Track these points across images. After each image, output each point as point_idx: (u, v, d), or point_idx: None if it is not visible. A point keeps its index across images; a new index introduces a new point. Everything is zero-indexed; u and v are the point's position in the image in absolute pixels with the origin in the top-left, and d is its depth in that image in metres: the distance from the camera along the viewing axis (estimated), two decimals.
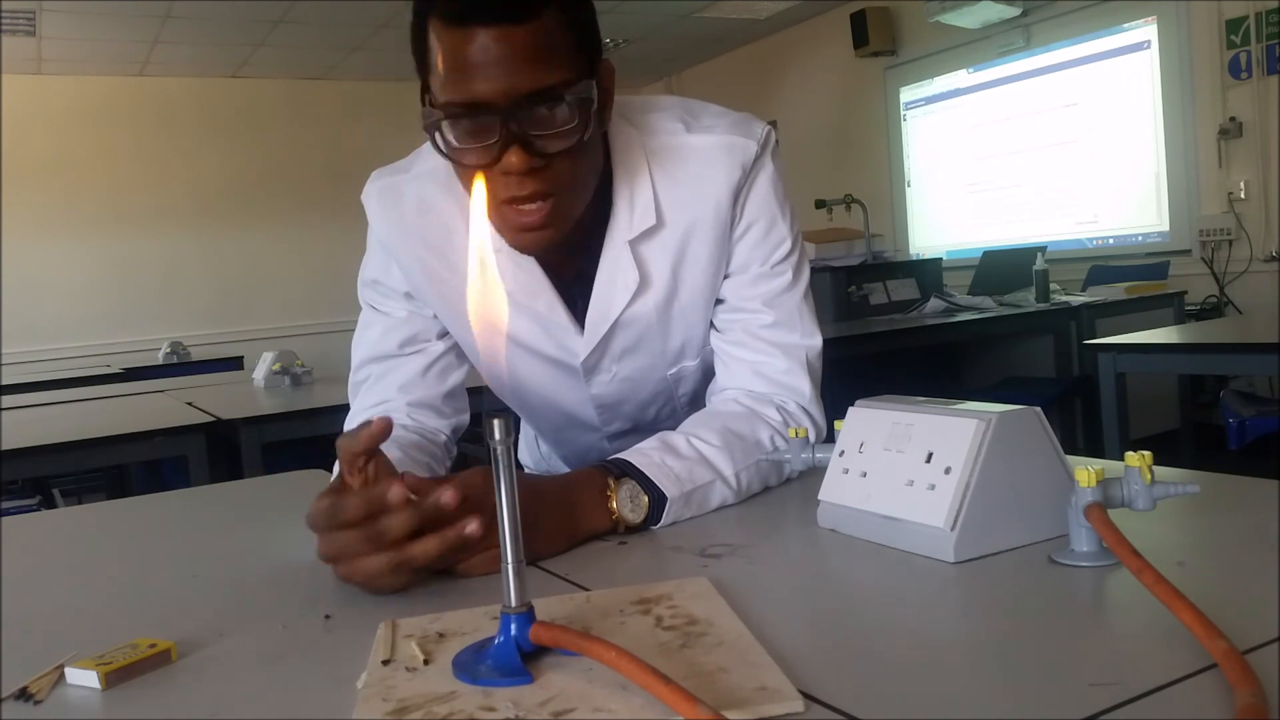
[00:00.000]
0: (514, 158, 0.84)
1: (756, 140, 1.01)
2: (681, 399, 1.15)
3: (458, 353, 1.12)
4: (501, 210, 0.89)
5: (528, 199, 0.88)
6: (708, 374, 1.13)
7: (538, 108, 0.84)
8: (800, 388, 1.05)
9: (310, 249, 7.27)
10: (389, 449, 0.95)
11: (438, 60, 0.84)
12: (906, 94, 6.47)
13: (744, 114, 1.04)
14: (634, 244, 1.00)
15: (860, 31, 6.37)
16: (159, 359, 5.30)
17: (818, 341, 1.08)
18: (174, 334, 6.11)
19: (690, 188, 1.00)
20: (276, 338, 6.51)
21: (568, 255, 1.02)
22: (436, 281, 1.05)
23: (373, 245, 1.10)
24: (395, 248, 1.06)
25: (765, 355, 1.05)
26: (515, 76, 0.83)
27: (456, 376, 1.12)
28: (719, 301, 1.07)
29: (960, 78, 6.11)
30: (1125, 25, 5.18)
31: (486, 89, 0.82)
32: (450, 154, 0.87)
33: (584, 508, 0.83)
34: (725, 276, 1.05)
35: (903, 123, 6.53)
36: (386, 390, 1.09)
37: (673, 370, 1.11)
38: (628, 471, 0.87)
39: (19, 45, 5.91)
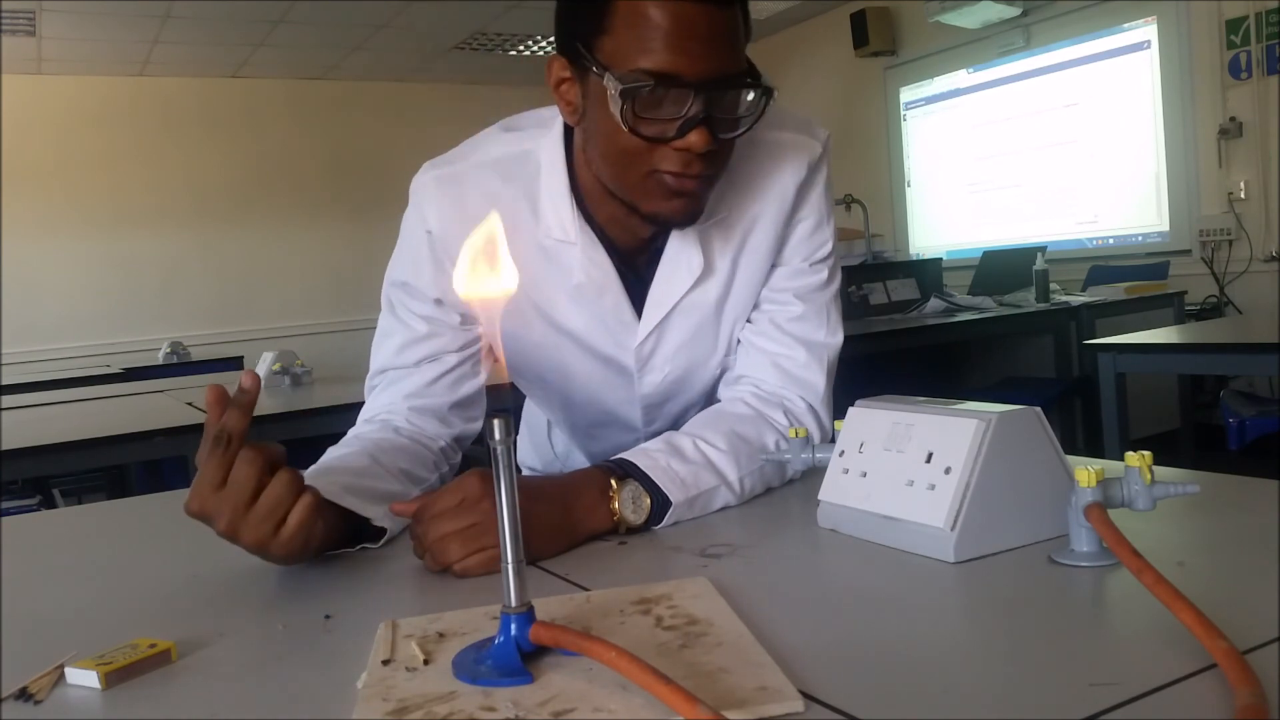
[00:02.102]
0: (697, 137, 0.84)
1: (820, 141, 1.04)
2: (716, 384, 1.15)
3: (474, 363, 1.09)
4: (655, 179, 0.89)
5: (691, 179, 0.89)
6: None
7: (730, 91, 0.86)
8: (815, 383, 1.06)
9: (310, 249, 7.27)
10: (358, 459, 0.93)
11: (634, 26, 0.83)
12: (906, 94, 6.47)
13: (807, 116, 1.07)
14: (701, 232, 1.01)
15: (860, 31, 6.37)
16: (159, 359, 5.29)
17: (839, 341, 1.09)
18: (174, 334, 6.11)
19: (759, 181, 1.02)
20: (276, 338, 6.51)
21: (641, 246, 1.02)
22: None
23: (410, 241, 1.04)
24: (452, 238, 0.99)
25: (787, 348, 1.06)
26: (719, 57, 0.84)
27: (470, 386, 1.08)
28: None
29: (960, 78, 6.11)
30: (1125, 25, 5.18)
31: (689, 64, 0.83)
32: (630, 123, 0.85)
33: (584, 508, 0.83)
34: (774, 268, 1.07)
35: (903, 123, 6.53)
36: (391, 398, 1.07)
37: (721, 361, 1.11)
38: (630, 473, 0.87)
39: (19, 45, 5.91)
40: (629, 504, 0.84)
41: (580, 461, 1.28)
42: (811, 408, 1.05)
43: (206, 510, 0.73)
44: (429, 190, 1.02)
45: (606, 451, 1.21)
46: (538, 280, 1.02)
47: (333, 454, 0.97)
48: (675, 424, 1.14)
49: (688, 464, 0.90)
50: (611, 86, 0.84)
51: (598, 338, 1.06)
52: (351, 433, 1.06)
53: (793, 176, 1.02)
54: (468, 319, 1.05)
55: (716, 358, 1.10)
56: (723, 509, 0.92)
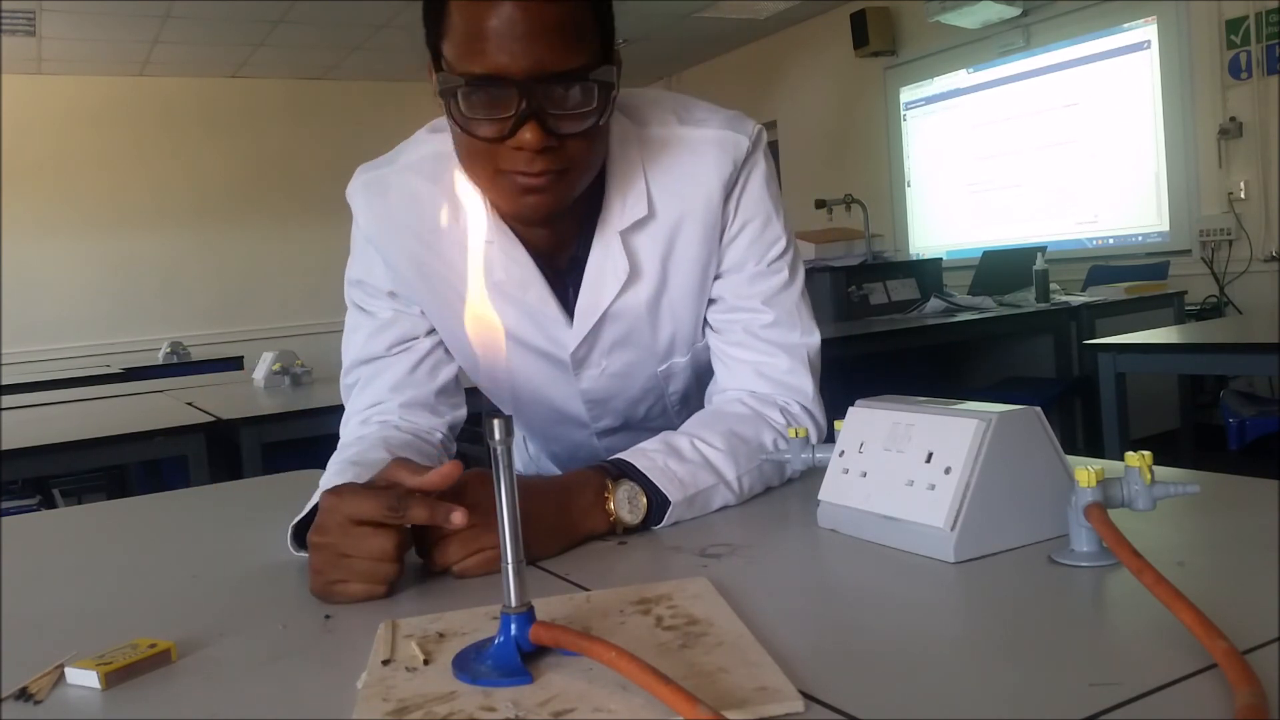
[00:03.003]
0: (529, 134, 0.84)
1: (749, 136, 1.01)
2: (672, 397, 1.14)
3: (445, 349, 1.11)
4: (504, 178, 0.89)
5: (536, 176, 0.88)
6: (699, 372, 1.12)
7: (559, 87, 0.84)
8: (803, 387, 1.05)
9: (310, 249, 7.27)
10: (375, 451, 0.96)
11: (461, 28, 0.84)
12: (906, 94, 6.47)
13: (736, 111, 1.04)
14: (625, 234, 1.00)
15: (860, 31, 6.37)
16: (159, 359, 5.30)
17: (817, 339, 1.08)
18: (174, 334, 6.12)
19: (682, 180, 1.00)
20: (276, 338, 6.51)
21: (559, 246, 1.01)
22: (424, 274, 1.05)
23: (358, 243, 1.09)
24: (382, 242, 1.05)
25: (767, 355, 1.05)
26: (541, 53, 0.82)
27: (447, 372, 1.11)
28: (714, 302, 1.06)
29: (960, 78, 6.11)
30: (1125, 25, 5.18)
31: (511, 62, 0.82)
32: (463, 124, 0.87)
33: (581, 509, 0.83)
34: (718, 276, 1.05)
35: (903, 123, 6.53)
36: (378, 392, 1.08)
37: (663, 367, 1.10)
38: (627, 473, 0.86)
39: (19, 45, 5.91)
40: (625, 504, 0.84)
41: (548, 463, 1.29)
42: (806, 409, 1.05)
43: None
44: (357, 196, 1.06)
45: (566, 450, 1.21)
46: (466, 278, 1.03)
47: (349, 451, 0.98)
48: (625, 421, 1.14)
49: (685, 463, 0.89)
50: (442, 89, 0.85)
51: (529, 333, 1.05)
52: (350, 436, 1.06)
53: (717, 173, 0.99)
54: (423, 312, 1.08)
55: (655, 357, 1.09)
56: (722, 509, 0.92)
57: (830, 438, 0.88)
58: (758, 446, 0.96)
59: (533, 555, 0.78)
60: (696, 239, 1.02)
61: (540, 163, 0.86)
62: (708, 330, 1.08)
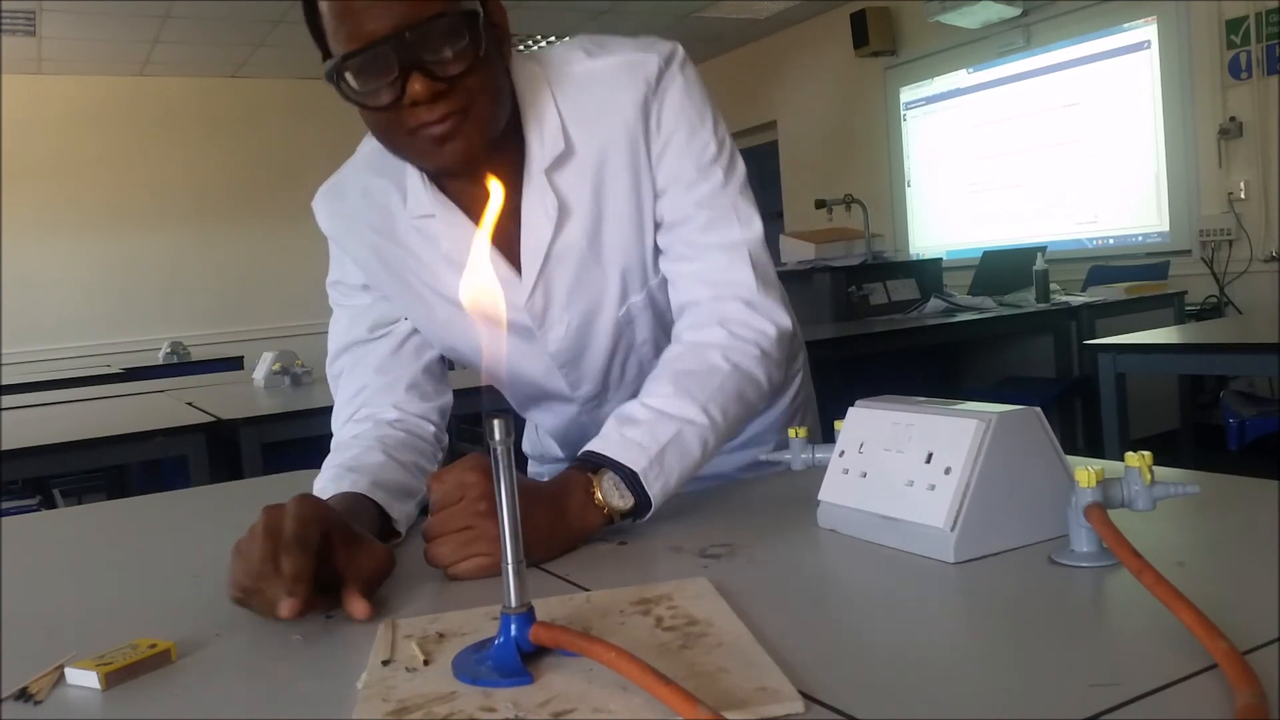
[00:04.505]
0: (417, 85, 0.86)
1: (658, 54, 1.00)
2: (643, 349, 1.12)
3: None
4: (416, 138, 0.91)
5: (440, 122, 0.89)
6: (663, 319, 1.10)
7: (428, 33, 0.87)
8: (742, 280, 1.02)
9: (311, 249, 7.18)
10: (372, 454, 0.97)
11: (329, 15, 0.88)
12: (906, 94, 6.47)
13: (650, 37, 1.04)
14: (550, 174, 1.00)
15: (860, 31, 6.37)
16: (159, 359, 5.30)
17: (757, 231, 1.05)
18: (174, 334, 6.11)
19: (596, 111, 1.00)
20: (276, 338, 6.50)
21: (503, 211, 1.02)
22: (387, 264, 1.07)
23: (331, 249, 1.13)
24: (345, 241, 1.09)
25: (705, 260, 1.03)
26: (400, 8, 0.85)
27: (430, 355, 1.13)
28: (659, 227, 1.05)
29: (960, 78, 6.11)
30: (1125, 25, 5.19)
31: (376, 27, 0.85)
32: (358, 100, 0.90)
33: (575, 510, 0.83)
34: (657, 197, 1.04)
35: (903, 123, 6.53)
36: (363, 375, 1.10)
37: (622, 310, 1.08)
38: (600, 462, 0.86)
39: (19, 45, 5.91)
40: (613, 493, 0.84)
41: (550, 443, 1.29)
42: (748, 303, 1.01)
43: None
44: (319, 206, 1.11)
45: (560, 428, 1.21)
46: (422, 260, 1.05)
47: (345, 454, 0.99)
48: (604, 383, 1.13)
49: (639, 425, 0.89)
50: (328, 75, 0.90)
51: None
52: (345, 434, 1.06)
53: (629, 97, 0.99)
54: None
55: (611, 299, 1.06)
56: (710, 449, 0.91)
57: (830, 438, 0.88)
58: (708, 370, 0.95)
59: (537, 560, 0.79)
60: (624, 166, 1.01)
61: (439, 109, 0.88)
62: (660, 259, 1.06)
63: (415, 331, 1.12)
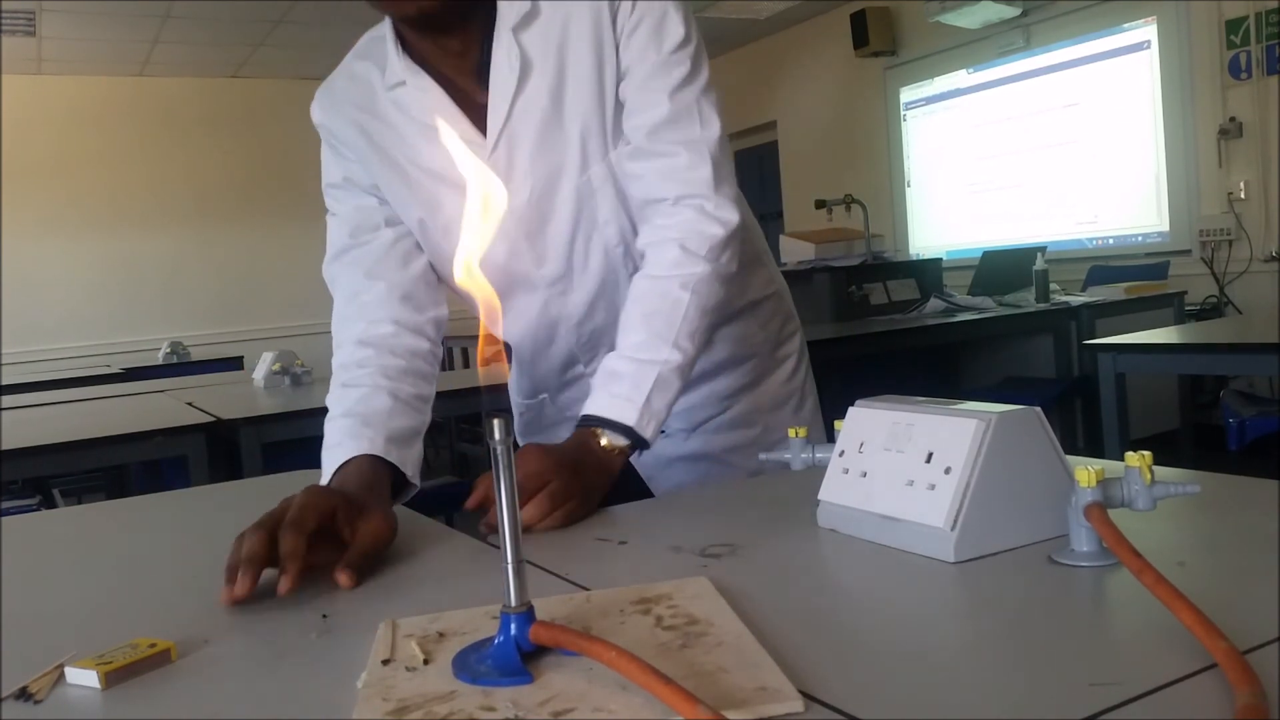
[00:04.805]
0: None
1: None
2: (606, 229, 1.12)
3: (413, 238, 1.16)
4: None
5: None
6: (625, 204, 1.12)
7: None
8: (701, 178, 1.06)
9: (310, 249, 7.20)
10: (377, 398, 1.04)
11: None
12: (906, 94, 6.47)
13: None
14: (516, 32, 1.04)
15: (860, 31, 6.37)
16: (159, 359, 5.30)
17: (716, 132, 1.08)
18: (174, 334, 6.12)
19: None
20: (276, 338, 6.50)
21: (474, 77, 1.07)
22: (373, 140, 1.11)
23: (323, 150, 1.17)
24: (334, 127, 1.14)
25: (668, 153, 1.06)
26: None
27: (420, 262, 1.15)
28: (622, 108, 1.08)
29: (960, 78, 6.11)
30: (1125, 25, 5.19)
31: None
32: None
33: (595, 460, 0.95)
34: (622, 76, 1.07)
35: (903, 123, 6.53)
36: (354, 280, 1.13)
37: (583, 178, 1.09)
38: (598, 423, 0.98)
39: (19, 45, 5.91)
40: (618, 439, 0.96)
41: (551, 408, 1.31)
42: (701, 209, 1.06)
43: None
44: (314, 106, 1.16)
45: (528, 329, 1.20)
46: (400, 132, 1.10)
47: (351, 396, 1.04)
48: (569, 262, 1.13)
49: (623, 379, 0.99)
50: None
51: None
52: (349, 357, 1.09)
53: None
54: (380, 199, 1.15)
55: (572, 163, 1.09)
56: (689, 376, 1.02)
57: (830, 438, 0.88)
58: (672, 305, 1.02)
59: (584, 515, 0.91)
60: (588, 31, 1.05)
61: None
62: (624, 150, 1.09)
63: (400, 239, 1.15)
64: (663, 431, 1.10)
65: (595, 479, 0.94)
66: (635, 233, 1.12)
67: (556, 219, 1.12)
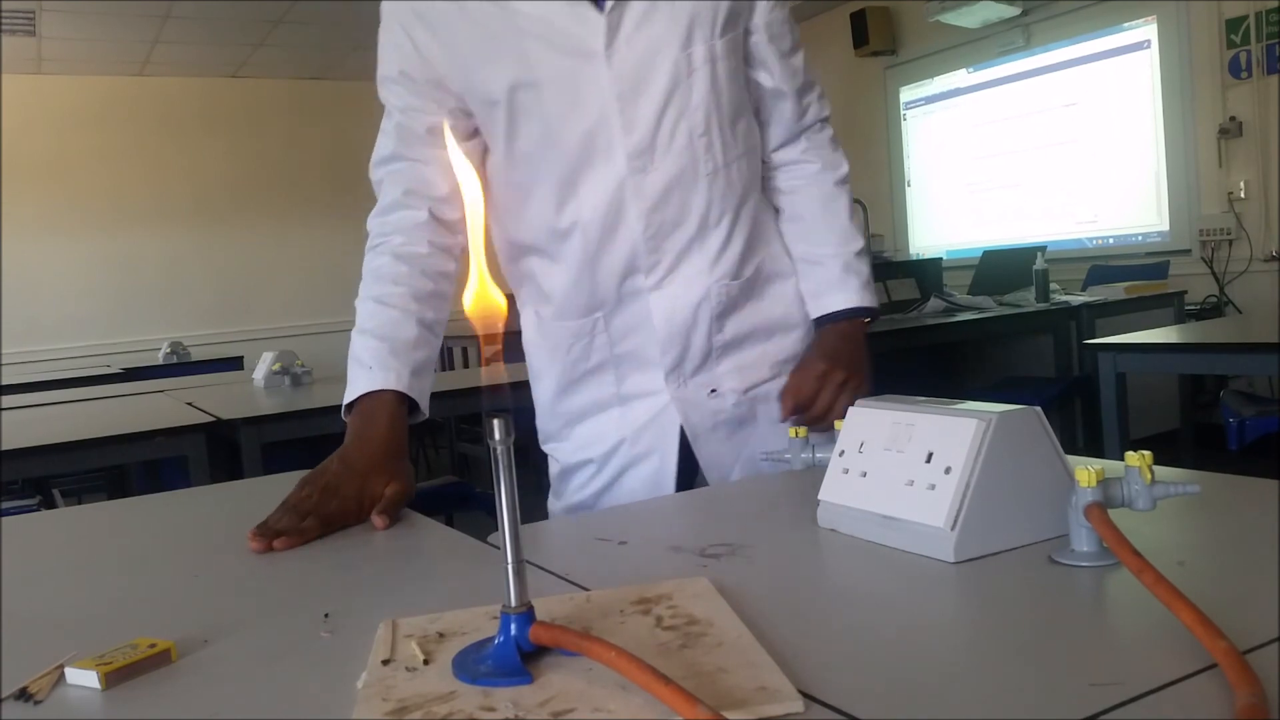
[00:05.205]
0: None
1: None
2: (695, 114, 1.15)
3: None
4: None
5: None
6: (719, 101, 1.17)
7: None
8: (817, 85, 1.33)
9: (310, 249, 7.27)
10: (406, 327, 1.13)
11: None
12: (906, 94, 6.47)
13: None
14: None
15: (860, 31, 6.37)
16: (159, 359, 5.29)
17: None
18: (174, 334, 6.11)
19: None
20: (276, 338, 6.51)
21: None
22: (441, 16, 1.13)
23: (381, 41, 1.18)
24: (397, 8, 1.16)
25: (809, 80, 1.30)
26: None
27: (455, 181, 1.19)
28: (748, 31, 1.21)
29: (960, 77, 6.11)
30: (1125, 25, 5.19)
31: None
32: None
33: (854, 344, 1.23)
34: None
35: (903, 122, 6.53)
36: (396, 192, 1.19)
37: (685, 53, 1.13)
38: (839, 316, 1.25)
39: (19, 45, 5.91)
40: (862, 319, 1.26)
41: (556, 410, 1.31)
42: (835, 140, 1.33)
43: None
44: None
45: (600, 204, 1.18)
46: None
47: (382, 317, 1.13)
48: (654, 136, 1.14)
49: (851, 273, 1.27)
50: None
51: (559, 24, 1.10)
52: (385, 264, 1.16)
53: None
54: (436, 100, 1.17)
55: (676, 36, 1.12)
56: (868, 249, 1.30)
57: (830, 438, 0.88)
58: (841, 200, 1.30)
59: (864, 392, 1.13)
60: None
61: None
62: (758, 67, 1.24)
63: (439, 155, 1.18)
64: (714, 390, 1.22)
65: (862, 357, 1.23)
66: (721, 128, 1.18)
67: (652, 88, 1.13)
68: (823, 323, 1.26)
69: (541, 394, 1.32)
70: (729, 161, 1.19)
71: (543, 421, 1.34)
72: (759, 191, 1.27)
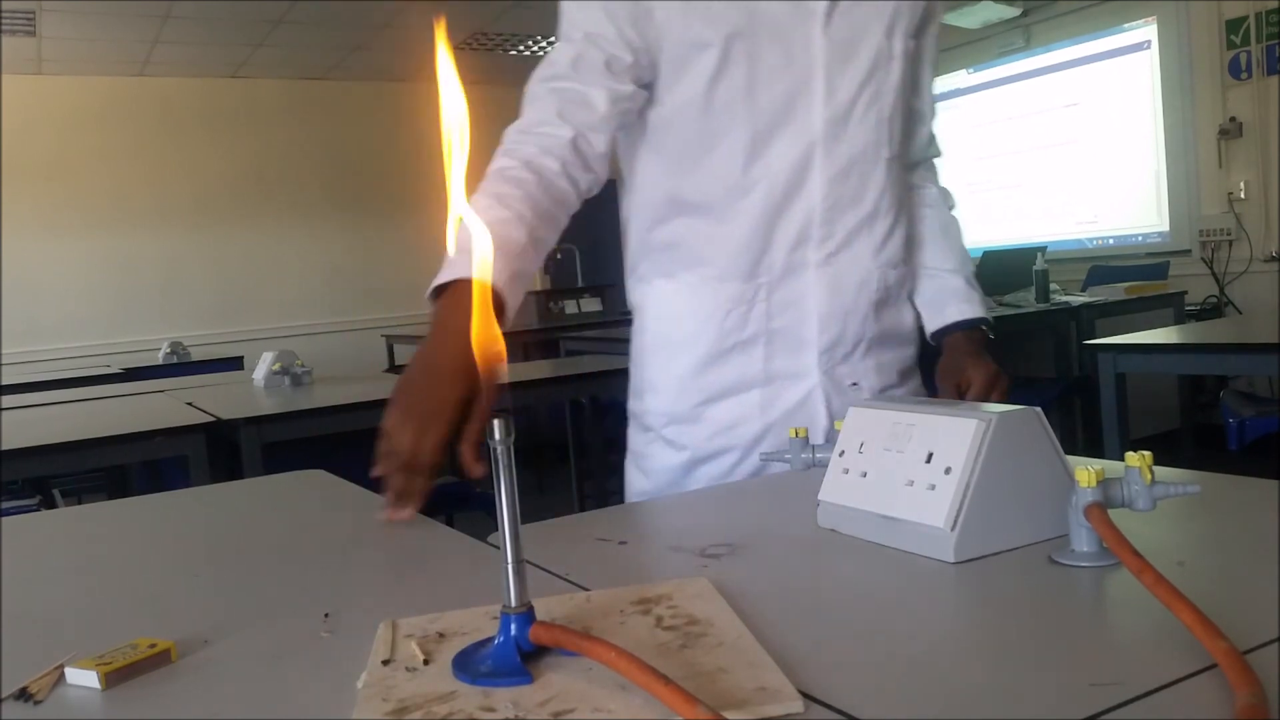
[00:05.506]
0: None
1: None
2: (883, 100, 1.20)
3: (620, 110, 1.17)
4: None
5: None
6: (902, 104, 1.23)
7: None
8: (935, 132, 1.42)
9: (310, 249, 7.27)
10: (518, 230, 1.06)
11: None
12: None
13: None
14: None
15: None
16: (159, 359, 5.29)
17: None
18: (174, 334, 6.11)
19: None
20: (276, 338, 6.51)
21: None
22: None
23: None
24: None
25: (933, 115, 1.40)
26: None
27: (609, 137, 1.17)
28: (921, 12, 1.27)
29: (960, 78, 6.11)
30: (1125, 25, 5.19)
31: None
32: None
33: (978, 351, 1.29)
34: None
35: None
36: (548, 110, 1.14)
37: (887, 41, 1.19)
38: (958, 327, 1.31)
39: (19, 45, 5.91)
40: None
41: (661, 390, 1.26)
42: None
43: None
44: None
45: (788, 165, 1.17)
46: None
47: (497, 213, 1.05)
48: (851, 107, 1.18)
49: (973, 289, 1.34)
50: None
51: None
52: (514, 172, 1.11)
53: None
54: (640, 24, 1.14)
55: (880, 25, 1.18)
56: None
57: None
58: (957, 225, 1.39)
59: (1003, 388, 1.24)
60: None
61: None
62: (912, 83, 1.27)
63: (615, 100, 1.15)
64: (855, 384, 1.24)
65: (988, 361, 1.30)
66: (901, 121, 1.24)
67: (856, 62, 1.17)
68: (947, 331, 1.31)
69: (677, 368, 1.23)
70: (900, 155, 1.24)
71: (668, 402, 1.24)
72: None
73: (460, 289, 0.96)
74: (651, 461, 1.26)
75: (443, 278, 0.98)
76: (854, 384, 1.22)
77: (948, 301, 1.31)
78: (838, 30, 1.15)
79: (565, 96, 1.14)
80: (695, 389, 1.21)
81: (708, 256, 1.20)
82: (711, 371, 1.21)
